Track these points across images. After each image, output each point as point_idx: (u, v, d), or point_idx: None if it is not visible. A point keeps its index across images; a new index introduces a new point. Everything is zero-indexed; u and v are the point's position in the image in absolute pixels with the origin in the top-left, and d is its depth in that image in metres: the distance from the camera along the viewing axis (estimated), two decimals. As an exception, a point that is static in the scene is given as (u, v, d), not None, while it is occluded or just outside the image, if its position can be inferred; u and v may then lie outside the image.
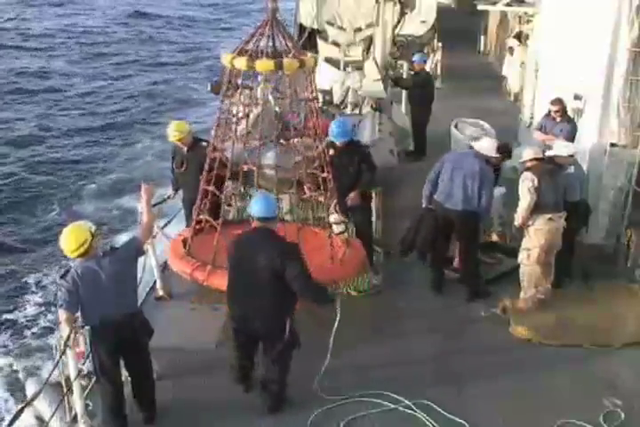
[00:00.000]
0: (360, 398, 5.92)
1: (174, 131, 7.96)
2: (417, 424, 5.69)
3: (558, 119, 8.82)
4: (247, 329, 5.73)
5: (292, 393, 5.87)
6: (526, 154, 7.33)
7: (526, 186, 7.05)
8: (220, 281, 6.15)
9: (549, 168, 7.25)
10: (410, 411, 5.79)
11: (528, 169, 7.22)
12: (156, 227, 7.08)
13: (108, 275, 5.25)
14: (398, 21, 14.12)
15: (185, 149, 8.05)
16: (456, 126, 11.28)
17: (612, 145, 8.28)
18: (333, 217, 7.30)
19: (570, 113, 8.93)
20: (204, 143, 7.74)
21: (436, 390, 6.06)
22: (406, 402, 5.86)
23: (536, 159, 7.24)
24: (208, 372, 6.14)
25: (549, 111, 8.95)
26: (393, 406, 5.85)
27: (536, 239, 7.15)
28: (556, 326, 7.05)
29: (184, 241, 7.14)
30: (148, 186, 5.90)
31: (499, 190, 8.33)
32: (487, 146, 7.54)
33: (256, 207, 5.63)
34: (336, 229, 7.36)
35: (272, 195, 5.94)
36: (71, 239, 5.21)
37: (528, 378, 6.28)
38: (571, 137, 8.55)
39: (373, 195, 9.52)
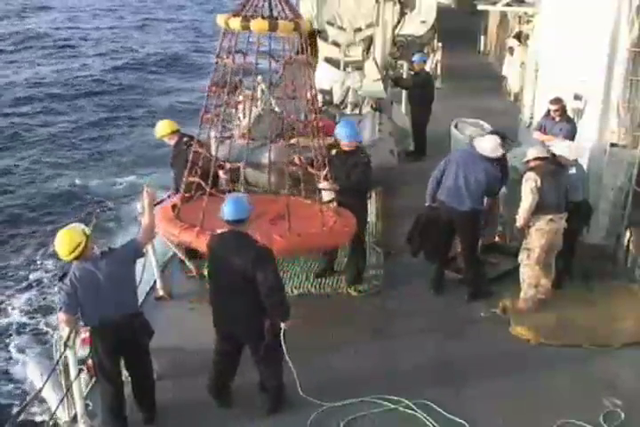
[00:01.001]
0: (360, 398, 5.91)
1: (155, 129, 8.32)
2: (417, 424, 5.69)
3: (557, 119, 8.81)
4: (228, 331, 5.71)
5: (291, 393, 5.87)
6: (530, 153, 7.30)
7: (529, 186, 7.02)
8: None
9: (552, 169, 7.21)
10: (410, 411, 5.79)
11: (531, 169, 7.19)
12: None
13: (105, 276, 5.24)
14: (398, 21, 14.13)
15: (172, 145, 8.30)
16: (456, 126, 11.27)
17: (612, 145, 8.29)
18: (322, 184, 7.32)
19: (570, 113, 8.92)
20: (185, 138, 7.96)
21: (436, 390, 6.05)
22: (406, 402, 5.86)
23: (539, 158, 7.22)
24: (208, 372, 6.13)
25: (549, 111, 8.95)
26: (393, 406, 5.85)
27: (537, 240, 7.15)
28: (556, 326, 7.05)
29: (173, 206, 7.17)
30: (151, 189, 5.89)
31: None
32: (487, 147, 7.45)
33: (226, 210, 5.53)
34: (325, 195, 7.35)
35: (244, 196, 5.86)
36: (64, 243, 5.18)
37: (528, 378, 6.28)
38: (570, 137, 8.54)
39: (373, 195, 9.55)
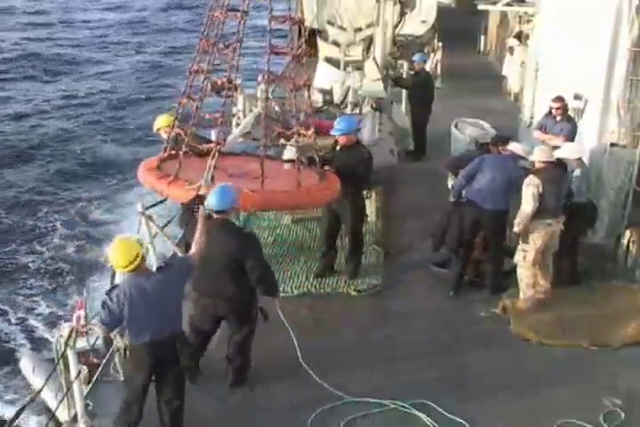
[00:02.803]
0: (360, 397, 5.91)
1: (154, 122, 8.40)
2: (417, 424, 5.69)
3: (559, 118, 8.79)
4: (213, 312, 5.91)
5: (291, 393, 5.89)
6: (537, 154, 7.22)
7: (530, 192, 6.99)
8: (180, 191, 6.61)
9: (554, 173, 7.13)
10: (410, 411, 5.79)
11: (534, 172, 7.15)
12: (156, 227, 7.07)
13: (157, 293, 4.97)
14: (398, 21, 14.10)
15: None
16: (456, 126, 11.27)
17: (612, 145, 8.28)
18: (294, 140, 7.34)
19: (570, 113, 8.91)
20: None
21: (436, 390, 6.06)
22: (406, 402, 5.86)
23: (545, 162, 7.17)
24: (208, 372, 6.13)
25: (550, 110, 8.92)
26: (393, 405, 5.86)
27: (532, 241, 7.14)
28: (556, 326, 7.05)
29: (157, 160, 7.42)
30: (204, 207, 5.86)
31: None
32: (520, 148, 7.62)
33: (212, 200, 5.71)
34: (287, 153, 7.48)
35: (230, 186, 5.96)
36: (123, 254, 4.91)
37: (528, 378, 6.28)
38: (571, 137, 8.53)
39: (373, 194, 9.54)
